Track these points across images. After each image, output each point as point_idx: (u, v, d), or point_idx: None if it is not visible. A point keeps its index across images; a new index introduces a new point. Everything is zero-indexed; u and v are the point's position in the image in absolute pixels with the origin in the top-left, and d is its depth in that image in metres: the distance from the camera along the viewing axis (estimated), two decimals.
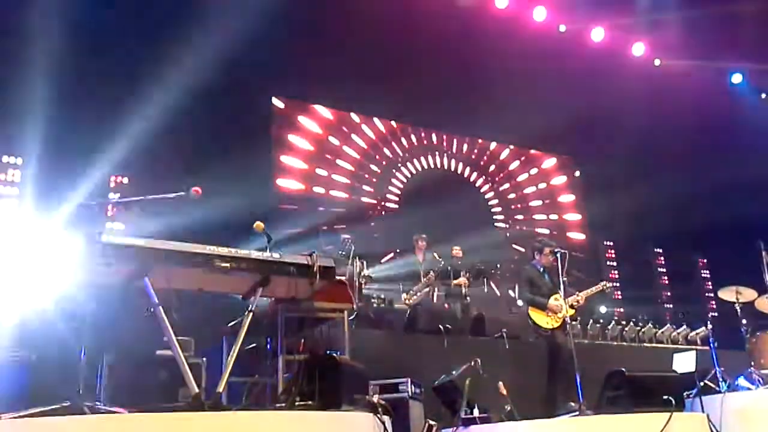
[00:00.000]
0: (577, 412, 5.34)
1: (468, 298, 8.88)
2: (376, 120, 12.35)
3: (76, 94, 7.99)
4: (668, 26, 11.48)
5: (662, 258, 13.38)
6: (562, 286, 6.65)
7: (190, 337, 5.13)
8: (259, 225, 4.76)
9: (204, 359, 5.21)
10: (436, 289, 8.85)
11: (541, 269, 7.41)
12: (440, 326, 7.41)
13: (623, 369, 5.20)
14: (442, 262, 8.93)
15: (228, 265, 3.79)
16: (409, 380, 5.95)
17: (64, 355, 3.74)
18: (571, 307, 7.03)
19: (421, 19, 10.55)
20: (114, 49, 8.53)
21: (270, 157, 10.84)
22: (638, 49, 11.86)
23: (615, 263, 13.31)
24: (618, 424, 4.71)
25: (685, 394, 5.91)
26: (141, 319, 3.93)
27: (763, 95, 13.05)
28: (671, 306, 12.80)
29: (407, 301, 8.61)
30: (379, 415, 3.72)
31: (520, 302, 8.08)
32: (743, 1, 10.35)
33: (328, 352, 4.70)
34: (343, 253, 8.18)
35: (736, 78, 12.71)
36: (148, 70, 8.42)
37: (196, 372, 4.74)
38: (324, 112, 11.79)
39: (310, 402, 3.68)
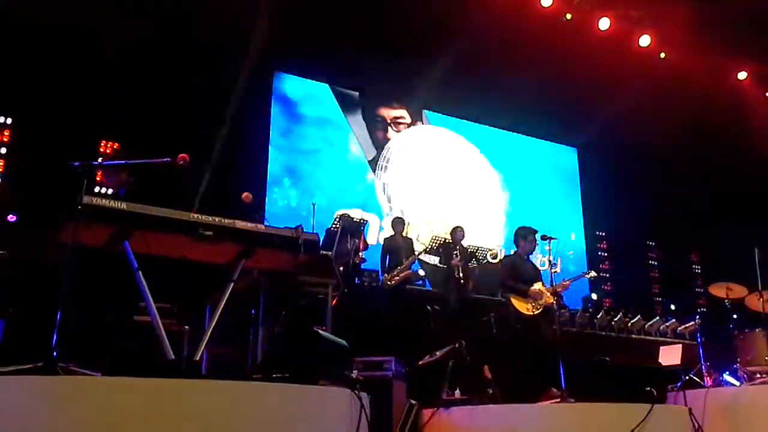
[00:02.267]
0: (559, 399, 5.35)
1: (462, 280, 8.85)
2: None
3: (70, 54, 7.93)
4: (675, 20, 11.35)
5: (655, 251, 13.35)
6: (550, 272, 6.62)
7: (174, 304, 5.10)
8: (247, 196, 4.74)
9: (187, 327, 5.19)
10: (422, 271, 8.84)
11: (525, 256, 7.40)
12: (428, 307, 7.40)
13: (607, 358, 5.18)
14: (432, 243, 8.98)
15: (211, 233, 3.76)
16: (393, 359, 5.95)
17: (40, 313, 3.72)
18: (555, 294, 7.02)
19: (426, 4, 10.45)
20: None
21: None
22: (644, 40, 11.73)
23: (606, 254, 13.28)
24: (599, 413, 4.70)
25: (669, 387, 5.92)
26: (121, 283, 3.90)
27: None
28: (661, 299, 12.78)
29: (389, 282, 8.60)
30: (356, 391, 3.70)
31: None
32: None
33: (309, 326, 4.66)
34: (338, 227, 8.15)
35: (742, 75, 12.60)
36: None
37: (178, 340, 4.74)
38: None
39: (287, 375, 3.65)
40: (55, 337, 3.27)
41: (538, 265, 7.48)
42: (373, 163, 11.88)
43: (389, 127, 12.21)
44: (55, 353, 3.20)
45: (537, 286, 7.08)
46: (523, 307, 7.05)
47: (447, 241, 8.92)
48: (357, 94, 12.02)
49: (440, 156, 12.58)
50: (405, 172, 12.08)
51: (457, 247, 8.86)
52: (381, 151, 12.03)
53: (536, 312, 7.01)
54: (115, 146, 8.25)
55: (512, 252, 7.69)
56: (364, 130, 11.97)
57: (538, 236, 7.14)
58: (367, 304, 7.95)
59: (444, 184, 12.35)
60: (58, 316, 3.34)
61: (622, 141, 13.02)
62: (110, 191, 6.32)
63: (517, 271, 7.28)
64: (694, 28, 11.05)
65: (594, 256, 13.18)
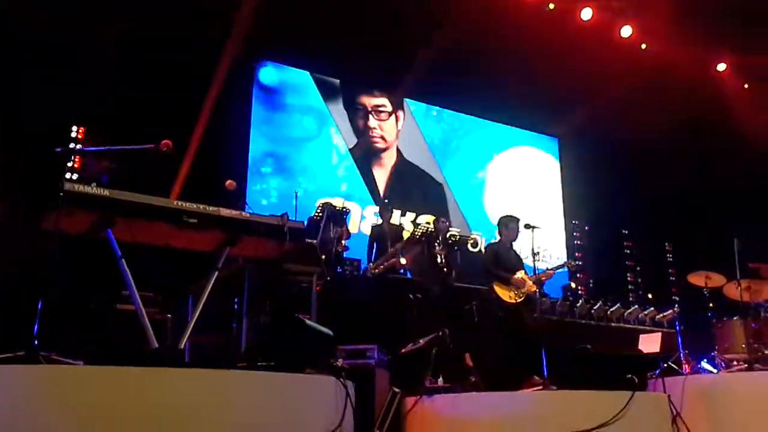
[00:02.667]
0: (541, 387, 5.39)
1: (445, 269, 8.86)
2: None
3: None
4: (657, 10, 11.42)
5: (629, 240, 13.47)
6: (533, 261, 6.66)
7: (156, 292, 5.06)
8: (231, 183, 4.70)
9: (170, 316, 5.16)
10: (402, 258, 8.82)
11: (509, 245, 7.46)
12: (410, 295, 7.40)
13: (588, 346, 5.22)
14: (415, 232, 8.99)
15: (196, 221, 3.73)
16: (376, 347, 5.95)
17: (22, 302, 3.67)
18: (537, 282, 7.08)
19: None
20: None
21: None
22: (626, 31, 11.79)
23: (581, 242, 13.38)
24: (581, 400, 4.74)
25: (648, 374, 5.98)
26: (104, 271, 3.86)
27: (746, 85, 13.07)
28: (636, 288, 12.92)
29: (374, 270, 8.61)
30: (342, 379, 3.70)
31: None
32: None
33: (294, 314, 4.65)
34: (320, 216, 8.11)
35: (721, 66, 12.71)
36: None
37: (161, 328, 4.71)
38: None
39: (272, 363, 3.64)
40: (36, 326, 3.23)
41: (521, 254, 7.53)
42: (354, 151, 11.81)
43: (370, 115, 12.15)
44: (36, 342, 3.16)
45: (520, 274, 7.14)
46: (506, 294, 7.11)
47: (430, 230, 8.93)
48: (338, 81, 11.95)
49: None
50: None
51: (440, 237, 8.87)
52: (362, 138, 11.97)
53: (519, 300, 7.07)
54: (82, 130, 8.07)
55: (494, 240, 7.73)
56: (344, 118, 11.91)
57: (521, 225, 7.19)
58: (349, 293, 7.93)
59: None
60: (40, 305, 3.29)
61: (602, 131, 13.09)
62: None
63: (499, 259, 7.33)
64: (675, 19, 11.11)
65: (572, 245, 13.28)
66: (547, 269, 7.31)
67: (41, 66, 7.68)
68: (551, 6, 11.37)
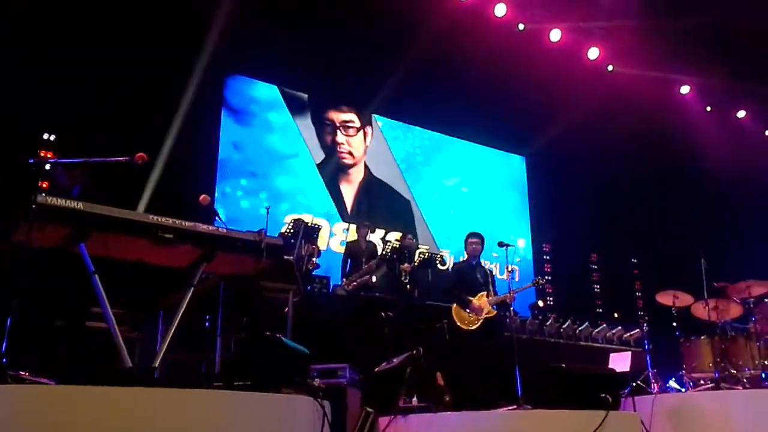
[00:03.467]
0: (515, 406, 5.37)
1: (408, 286, 8.84)
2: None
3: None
4: (622, 34, 11.67)
5: (598, 259, 13.63)
6: (507, 279, 6.69)
7: (125, 309, 4.92)
8: (205, 198, 4.62)
9: (138, 333, 5.02)
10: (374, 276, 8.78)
11: (473, 262, 7.49)
12: (382, 313, 7.35)
13: (563, 365, 5.22)
14: (386, 249, 8.97)
15: (171, 236, 3.64)
16: (348, 366, 5.89)
17: None
18: (504, 303, 7.13)
19: (378, 10, 10.44)
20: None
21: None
22: (593, 53, 12.02)
23: (549, 261, 13.48)
24: (555, 419, 4.73)
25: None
26: (73, 287, 3.74)
27: (708, 108, 13.40)
28: (605, 307, 13.05)
29: (346, 287, 8.55)
30: (319, 399, 3.63)
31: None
32: (692, 17, 10.58)
33: (269, 333, 4.56)
34: (292, 233, 8.03)
35: (684, 89, 13.01)
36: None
37: (130, 347, 4.56)
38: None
39: (248, 382, 3.56)
40: (5, 343, 3.10)
41: (497, 273, 7.58)
42: (322, 167, 11.75)
43: (338, 131, 12.11)
44: (5, 360, 3.04)
45: (479, 299, 7.16)
46: (463, 320, 7.13)
47: (401, 246, 8.91)
48: (306, 96, 11.89)
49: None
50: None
51: (408, 255, 8.86)
52: (330, 154, 11.91)
53: (474, 327, 7.09)
54: (52, 137, 7.87)
55: (461, 259, 7.78)
56: (312, 133, 11.85)
57: (494, 241, 7.23)
58: (319, 311, 7.84)
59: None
60: (8, 322, 3.17)
61: (569, 151, 13.25)
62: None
63: (463, 280, 7.36)
64: (641, 42, 11.36)
65: (540, 263, 13.37)
66: (511, 291, 7.37)
67: (9, 75, 7.50)
68: (521, 27, 11.53)
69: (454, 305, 7.26)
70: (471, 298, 7.17)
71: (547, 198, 13.75)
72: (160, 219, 3.63)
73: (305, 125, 11.76)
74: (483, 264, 8.00)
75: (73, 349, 3.97)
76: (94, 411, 2.75)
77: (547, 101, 12.00)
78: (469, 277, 7.41)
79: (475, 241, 7.56)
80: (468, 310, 7.16)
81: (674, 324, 7.77)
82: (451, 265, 8.73)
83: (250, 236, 3.90)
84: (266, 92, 11.50)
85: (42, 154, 5.45)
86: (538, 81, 11.64)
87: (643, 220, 13.35)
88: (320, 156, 11.81)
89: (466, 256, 7.72)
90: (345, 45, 10.83)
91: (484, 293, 7.24)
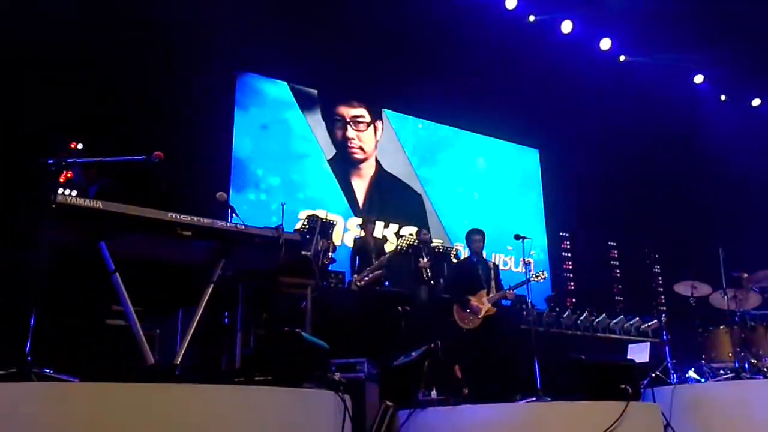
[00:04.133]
0: (535, 398, 5.36)
1: (432, 281, 8.83)
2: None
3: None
4: (634, 23, 11.61)
5: (616, 251, 13.56)
6: (525, 271, 6.67)
7: (145, 307, 4.94)
8: (221, 195, 4.63)
9: (158, 331, 5.04)
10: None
11: (475, 259, 7.49)
12: (399, 308, 7.36)
13: (582, 357, 5.21)
14: (400, 244, 8.98)
15: (190, 233, 3.65)
16: (366, 360, 5.89)
17: (14, 318, 3.55)
18: (504, 297, 7.14)
19: (387, 3, 10.43)
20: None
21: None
22: (605, 44, 11.97)
23: (570, 254, 13.42)
24: (576, 411, 4.73)
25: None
26: (94, 286, 3.77)
27: (723, 97, 13.30)
28: (623, 298, 12.99)
29: (358, 283, 8.56)
30: (340, 394, 3.64)
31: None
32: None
33: (288, 328, 4.58)
34: (307, 228, 8.04)
35: (698, 78, 12.92)
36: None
37: (149, 344, 4.59)
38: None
39: (269, 378, 3.57)
40: (29, 342, 3.13)
41: (512, 266, 7.53)
42: (333, 162, 11.74)
43: (349, 126, 12.09)
44: (30, 358, 3.07)
45: (477, 298, 7.15)
46: (463, 319, 7.14)
47: (415, 241, 8.90)
48: (316, 92, 11.88)
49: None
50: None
51: (425, 249, 8.85)
52: (340, 149, 11.91)
53: (474, 326, 7.10)
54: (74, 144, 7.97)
55: (464, 257, 7.80)
56: (323, 128, 11.84)
57: (535, 238, 7.22)
58: (335, 306, 7.86)
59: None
60: (32, 320, 3.20)
61: (583, 142, 13.18)
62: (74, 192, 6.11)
63: (463, 278, 7.38)
64: (653, 30, 11.30)
65: (556, 256, 13.30)
66: (509, 288, 7.37)
67: (26, 75, 7.56)
68: (531, 18, 11.49)
69: (455, 305, 7.29)
70: (470, 297, 7.19)
71: (562, 190, 13.64)
72: (178, 216, 3.64)
73: (316, 121, 11.75)
74: (486, 260, 7.99)
75: (95, 346, 4.00)
76: (118, 408, 2.76)
77: (560, 93, 11.96)
78: (470, 275, 7.44)
79: (477, 238, 7.61)
80: (468, 310, 7.16)
81: (693, 314, 7.71)
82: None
83: (268, 232, 3.90)
84: (275, 89, 11.48)
85: (72, 146, 5.51)
86: (551, 73, 11.62)
87: (660, 210, 13.24)
88: (331, 151, 11.81)
89: (468, 253, 7.73)
90: (354, 39, 10.80)
91: (484, 291, 7.25)
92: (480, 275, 7.46)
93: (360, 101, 12.26)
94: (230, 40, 9.67)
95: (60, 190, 5.28)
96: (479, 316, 7.07)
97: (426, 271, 8.50)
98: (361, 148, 12.11)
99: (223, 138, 10.46)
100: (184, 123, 9.17)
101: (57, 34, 7.94)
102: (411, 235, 9.70)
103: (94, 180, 4.85)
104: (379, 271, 8.62)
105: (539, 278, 7.50)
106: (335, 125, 11.94)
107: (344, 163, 11.89)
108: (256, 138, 11.06)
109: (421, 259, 8.69)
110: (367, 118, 12.30)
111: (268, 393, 3.25)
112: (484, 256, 8.07)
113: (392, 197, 12.22)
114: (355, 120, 12.17)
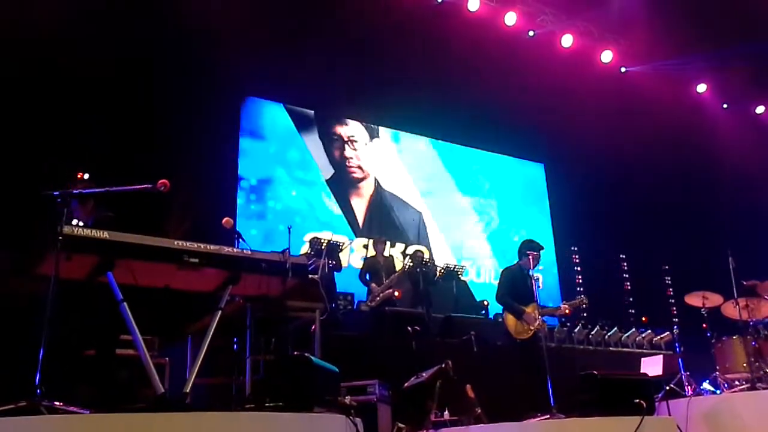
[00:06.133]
0: (548, 416, 5.30)
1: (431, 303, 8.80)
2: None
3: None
4: (635, 35, 11.64)
5: (626, 263, 13.48)
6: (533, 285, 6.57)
7: (154, 335, 4.94)
8: (228, 221, 4.64)
9: (167, 359, 5.04)
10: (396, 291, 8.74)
11: (526, 270, 7.17)
12: (408, 328, 7.30)
13: (596, 372, 5.16)
14: (407, 263, 8.98)
15: (197, 260, 3.65)
16: (377, 382, 5.86)
17: (21, 350, 3.55)
18: (552, 315, 6.95)
19: (387, 20, 10.45)
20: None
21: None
22: (606, 56, 12.00)
23: (579, 268, 13.33)
24: (590, 427, 4.68)
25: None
26: (102, 316, 3.76)
27: (725, 105, 13.28)
28: (634, 311, 12.88)
29: (369, 303, 8.55)
30: (351, 417, 3.62)
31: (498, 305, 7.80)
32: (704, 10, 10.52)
33: (297, 352, 4.56)
34: (313, 252, 8.05)
35: (701, 87, 12.92)
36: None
37: (159, 372, 4.58)
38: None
39: (280, 403, 3.55)
40: (38, 374, 3.12)
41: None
42: (331, 182, 11.69)
43: (346, 146, 12.04)
44: (39, 391, 3.06)
45: (530, 310, 6.89)
46: (516, 329, 6.87)
47: (424, 261, 8.89)
48: (312, 113, 11.85)
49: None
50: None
51: (430, 267, 8.87)
52: (339, 169, 11.87)
53: (526, 337, 6.85)
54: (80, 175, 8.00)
55: (512, 265, 7.43)
56: (320, 149, 11.79)
57: (543, 252, 7.08)
58: (345, 328, 7.84)
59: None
60: (41, 353, 3.19)
61: (588, 155, 13.14)
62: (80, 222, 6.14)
63: (514, 287, 7.09)
64: (654, 40, 11.31)
65: (567, 269, 13.21)
66: (564, 306, 7.19)
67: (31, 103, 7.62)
68: (531, 33, 11.53)
69: (507, 314, 7.02)
70: (525, 308, 6.91)
71: (569, 204, 13.58)
72: (185, 244, 3.64)
73: (313, 141, 11.71)
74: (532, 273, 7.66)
75: (104, 377, 3.99)
76: None
77: (563, 107, 11.92)
78: (523, 284, 7.11)
79: (536, 255, 7.10)
80: (523, 320, 6.89)
81: (705, 325, 7.63)
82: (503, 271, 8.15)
83: (275, 257, 3.90)
84: (272, 111, 11.47)
85: (79, 176, 5.53)
86: (553, 87, 11.59)
87: (669, 221, 13.15)
88: (329, 171, 11.72)
89: (516, 263, 7.36)
90: (349, 58, 10.76)
91: (535, 304, 6.93)
92: (529, 286, 7.13)
93: (357, 120, 12.21)
94: (232, 67, 9.67)
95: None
96: (532, 328, 6.82)
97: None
98: (359, 167, 12.05)
99: (229, 163, 10.47)
100: (188, 151, 9.16)
101: (66, 62, 8.00)
102: (420, 252, 9.64)
103: (91, 214, 4.86)
104: (389, 290, 8.60)
105: (585, 303, 7.35)
106: (333, 145, 11.84)
107: (343, 183, 11.82)
108: (261, 161, 11.05)
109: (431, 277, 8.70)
110: (365, 137, 12.26)
111: (278, 419, 3.23)
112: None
113: (392, 216, 12.10)
114: (353, 139, 12.09)
